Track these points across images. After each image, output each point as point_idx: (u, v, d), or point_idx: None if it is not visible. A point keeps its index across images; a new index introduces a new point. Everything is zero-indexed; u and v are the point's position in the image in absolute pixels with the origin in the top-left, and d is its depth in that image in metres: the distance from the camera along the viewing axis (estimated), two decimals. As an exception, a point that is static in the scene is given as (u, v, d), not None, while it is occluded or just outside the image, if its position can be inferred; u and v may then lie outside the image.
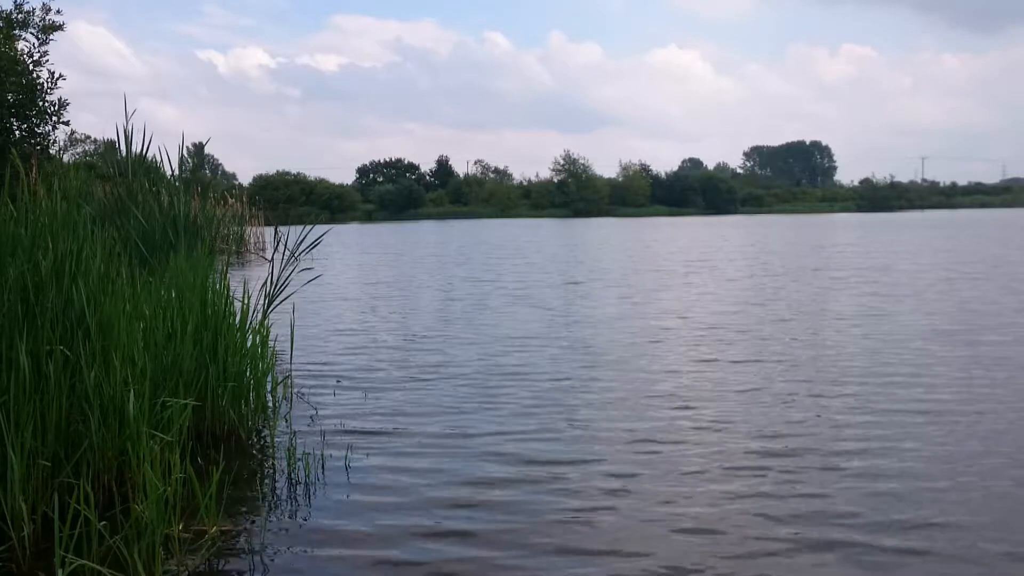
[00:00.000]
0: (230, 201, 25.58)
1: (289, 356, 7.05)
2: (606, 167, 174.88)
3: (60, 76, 14.60)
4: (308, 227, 7.17)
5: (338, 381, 7.69)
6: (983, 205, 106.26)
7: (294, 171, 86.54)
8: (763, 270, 19.39)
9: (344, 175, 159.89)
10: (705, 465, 5.09)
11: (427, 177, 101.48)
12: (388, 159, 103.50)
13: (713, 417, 6.22)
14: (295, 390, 6.91)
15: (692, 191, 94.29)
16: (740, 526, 4.15)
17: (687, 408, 6.51)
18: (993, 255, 23.01)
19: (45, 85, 14.48)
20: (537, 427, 6.09)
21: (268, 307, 6.55)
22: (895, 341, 9.36)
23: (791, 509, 4.37)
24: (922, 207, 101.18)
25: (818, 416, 6.23)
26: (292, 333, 6.91)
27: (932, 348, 8.89)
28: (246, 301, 6.21)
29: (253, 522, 4.35)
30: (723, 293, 14.77)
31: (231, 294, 6.10)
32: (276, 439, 5.83)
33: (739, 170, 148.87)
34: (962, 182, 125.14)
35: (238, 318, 6.07)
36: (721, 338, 9.80)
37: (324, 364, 8.52)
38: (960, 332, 9.89)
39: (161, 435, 4.34)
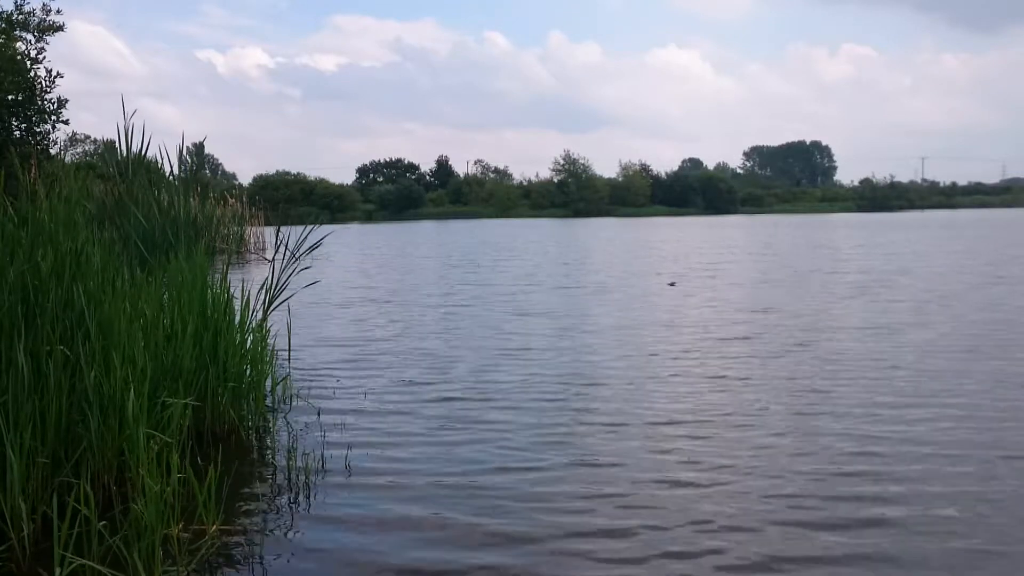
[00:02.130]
0: (230, 201, 25.60)
1: (288, 356, 7.05)
2: (606, 167, 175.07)
3: (58, 74, 14.59)
4: (309, 227, 7.18)
5: (338, 381, 7.70)
6: (983, 205, 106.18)
7: (294, 171, 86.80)
8: (777, 274, 18.41)
9: (344, 175, 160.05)
10: (713, 517, 4.32)
11: (427, 177, 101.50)
12: (388, 159, 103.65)
13: (727, 454, 5.36)
14: (295, 390, 6.91)
15: (692, 191, 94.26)
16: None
17: (699, 438, 5.72)
18: (1011, 257, 22.19)
19: (43, 83, 14.47)
20: (532, 440, 6.01)
21: (268, 307, 6.56)
22: (931, 353, 8.63)
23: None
24: (922, 207, 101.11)
25: (847, 454, 5.35)
26: (289, 334, 6.91)
27: (967, 366, 7.98)
28: (246, 301, 6.21)
29: (252, 522, 4.35)
30: (739, 300, 13.77)
31: (231, 294, 6.10)
32: (276, 439, 5.84)
33: (739, 170, 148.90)
34: (962, 182, 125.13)
35: (238, 318, 6.07)
36: (738, 352, 8.89)
37: (324, 365, 8.51)
38: (1000, 346, 8.97)
39: (161, 435, 4.34)
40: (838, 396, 6.91)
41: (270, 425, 6.10)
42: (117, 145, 14.48)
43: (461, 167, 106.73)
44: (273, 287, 6.63)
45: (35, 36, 14.62)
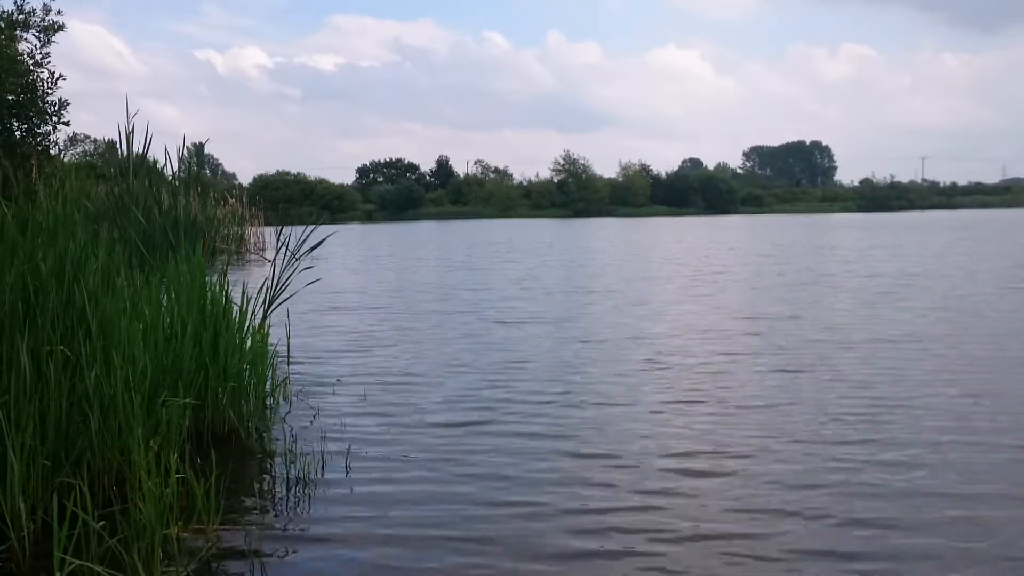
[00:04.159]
0: (230, 201, 25.62)
1: (288, 357, 7.05)
2: (606, 167, 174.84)
3: (60, 76, 14.59)
4: (311, 227, 7.19)
5: (338, 381, 7.70)
6: (983, 205, 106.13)
7: (294, 171, 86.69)
8: (793, 277, 17.63)
9: (344, 175, 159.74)
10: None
11: (427, 177, 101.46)
12: (388, 159, 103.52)
13: (751, 498, 4.61)
14: (295, 391, 6.91)
15: (692, 191, 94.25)
16: None
17: (717, 476, 5.00)
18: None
19: (45, 85, 14.48)
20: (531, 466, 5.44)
21: (268, 308, 6.56)
22: (978, 367, 7.93)
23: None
24: (922, 207, 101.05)
25: (898, 496, 4.61)
26: (288, 334, 6.91)
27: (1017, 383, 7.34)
28: (246, 302, 6.21)
29: (252, 522, 4.35)
30: (755, 307, 12.78)
31: (231, 295, 6.10)
32: (276, 439, 5.84)
33: (739, 170, 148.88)
34: (962, 182, 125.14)
35: (237, 319, 6.08)
36: (761, 368, 8.07)
37: (324, 365, 8.51)
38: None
39: (160, 435, 4.35)
40: (881, 425, 6.00)
41: (269, 426, 6.10)
42: (118, 145, 14.50)
43: (461, 167, 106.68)
44: (273, 287, 6.64)
45: (40, 40, 14.61)
